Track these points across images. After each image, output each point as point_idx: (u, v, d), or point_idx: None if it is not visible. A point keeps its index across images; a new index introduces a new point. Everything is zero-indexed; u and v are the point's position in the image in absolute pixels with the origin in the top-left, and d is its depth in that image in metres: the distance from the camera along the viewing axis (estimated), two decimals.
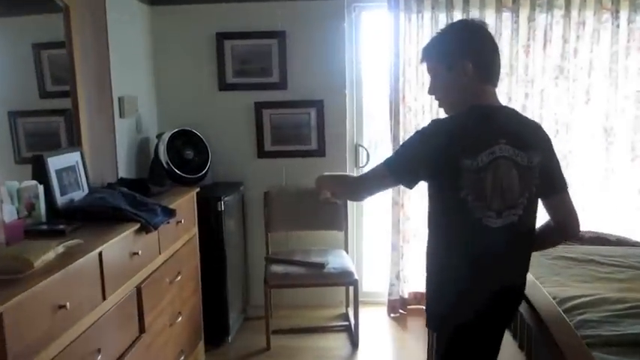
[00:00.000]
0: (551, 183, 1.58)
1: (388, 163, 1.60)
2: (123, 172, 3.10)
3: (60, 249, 1.71)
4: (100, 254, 1.86)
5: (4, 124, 2.37)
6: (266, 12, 3.48)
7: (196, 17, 3.52)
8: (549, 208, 1.62)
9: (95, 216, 2.15)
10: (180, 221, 2.65)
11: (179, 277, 2.60)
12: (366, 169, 3.66)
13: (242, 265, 3.65)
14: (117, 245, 1.98)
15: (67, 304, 1.61)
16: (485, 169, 1.48)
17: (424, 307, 1.72)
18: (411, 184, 1.61)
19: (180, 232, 2.68)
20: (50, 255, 1.66)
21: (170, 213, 2.40)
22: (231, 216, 3.40)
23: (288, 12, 3.48)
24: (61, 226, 2.00)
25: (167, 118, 3.61)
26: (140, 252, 2.15)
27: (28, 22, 2.47)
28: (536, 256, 2.42)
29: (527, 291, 1.91)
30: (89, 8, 2.73)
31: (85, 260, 1.74)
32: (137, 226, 2.14)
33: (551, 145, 1.61)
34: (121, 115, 3.08)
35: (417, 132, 1.59)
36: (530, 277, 1.96)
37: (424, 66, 1.70)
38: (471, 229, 1.52)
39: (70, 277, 1.67)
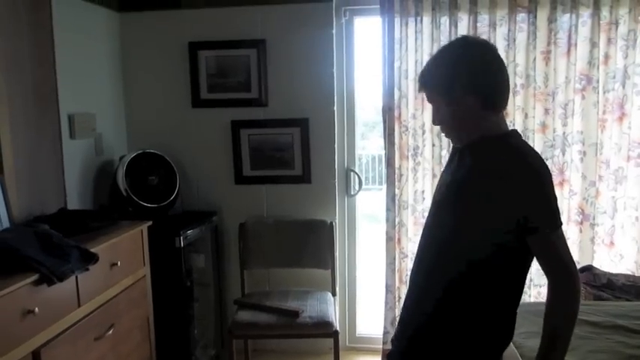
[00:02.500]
0: None
1: (559, 222, 1.36)
2: (75, 202, 2.72)
3: None
4: None
5: None
6: (244, 18, 3.06)
7: (168, 25, 3.12)
8: None
9: None
10: (116, 264, 2.22)
11: (111, 331, 2.17)
12: (359, 197, 3.26)
13: (215, 306, 3.20)
14: None
15: None
16: None
17: None
18: None
19: (116, 277, 2.25)
20: None
21: (90, 258, 1.98)
22: (200, 251, 2.97)
23: (269, 18, 3.04)
24: None
25: (137, 138, 3.22)
26: (37, 309, 1.72)
27: None
28: (538, 318, 1.88)
29: None
30: (26, 12, 2.37)
31: None
32: (35, 277, 1.72)
33: None
34: (72, 136, 2.70)
35: (540, 176, 1.35)
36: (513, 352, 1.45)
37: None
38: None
39: None
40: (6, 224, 2.12)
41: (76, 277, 1.94)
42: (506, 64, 2.73)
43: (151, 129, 3.21)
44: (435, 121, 1.51)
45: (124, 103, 3.22)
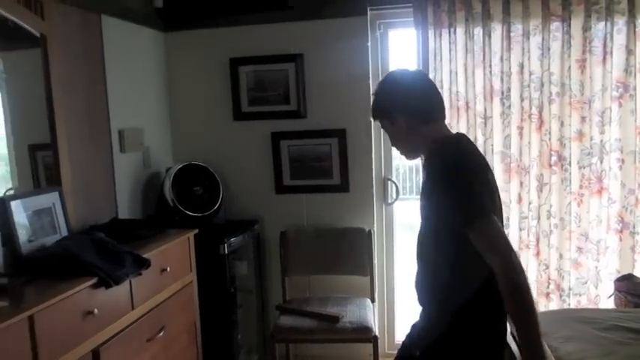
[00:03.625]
0: None
1: (485, 211, 1.45)
2: (125, 211, 2.88)
3: None
4: (32, 318, 1.59)
5: (26, 157, 2.32)
6: (282, 34, 3.19)
7: (210, 43, 3.28)
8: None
9: (51, 267, 1.90)
10: (166, 269, 2.35)
11: (162, 333, 2.29)
12: (395, 206, 3.33)
13: (258, 312, 3.31)
14: (60, 305, 1.70)
15: None
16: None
17: None
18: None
19: (166, 282, 2.38)
20: None
21: (142, 263, 2.11)
22: (242, 258, 3.09)
23: (306, 33, 3.16)
24: (4, 281, 1.76)
25: (182, 151, 3.38)
26: (96, 310, 1.86)
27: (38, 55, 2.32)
28: (583, 326, 1.91)
29: None
30: (80, 37, 2.56)
31: (2, 328, 1.47)
32: (94, 280, 1.86)
33: None
34: (122, 150, 2.86)
35: (460, 170, 1.51)
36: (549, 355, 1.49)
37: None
38: None
39: None
40: (64, 233, 2.27)
41: (130, 281, 2.07)
42: (541, 74, 2.77)
43: (195, 142, 3.36)
44: (392, 143, 1.77)
45: (169, 118, 3.38)
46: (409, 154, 1.76)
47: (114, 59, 2.78)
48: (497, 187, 1.58)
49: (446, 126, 1.70)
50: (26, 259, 2.01)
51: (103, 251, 2.07)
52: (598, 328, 1.82)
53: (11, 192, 2.19)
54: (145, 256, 2.16)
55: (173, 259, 2.45)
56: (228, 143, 3.33)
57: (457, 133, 1.73)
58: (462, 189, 1.47)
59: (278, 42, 3.20)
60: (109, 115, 2.76)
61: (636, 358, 1.64)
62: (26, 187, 2.25)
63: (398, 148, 1.76)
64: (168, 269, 2.38)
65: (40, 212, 2.19)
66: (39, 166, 2.40)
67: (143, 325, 2.18)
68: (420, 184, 1.83)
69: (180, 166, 3.05)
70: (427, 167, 1.70)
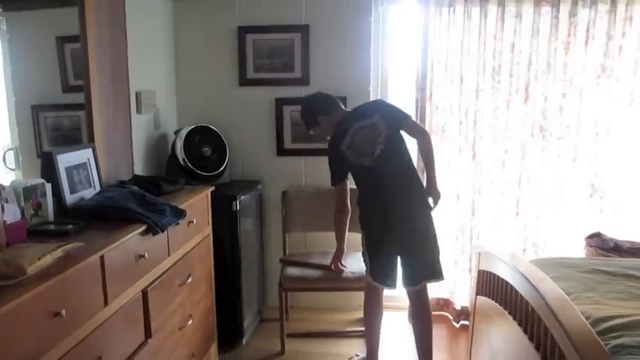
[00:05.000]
0: (396, 120, 2.62)
1: (334, 183, 2.77)
2: (139, 169, 3.03)
3: (58, 253, 1.62)
4: (102, 258, 1.77)
5: (28, 117, 2.33)
6: (290, 5, 3.36)
7: (219, 11, 3.42)
8: (407, 131, 2.66)
9: (102, 216, 2.07)
10: (192, 221, 2.55)
11: (190, 279, 2.51)
12: None
13: (259, 266, 3.55)
14: (121, 248, 1.89)
15: (63, 311, 1.52)
16: (351, 143, 2.62)
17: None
18: (345, 179, 2.74)
19: (191, 233, 2.58)
20: (47, 259, 1.57)
21: (180, 214, 2.30)
22: (247, 215, 3.30)
23: (313, 5, 3.35)
24: (67, 227, 1.92)
25: (187, 114, 3.53)
26: (146, 255, 2.06)
27: (52, 15, 2.40)
28: (568, 269, 2.27)
29: (556, 309, 1.75)
30: (107, 1, 2.65)
31: (84, 265, 1.65)
32: (143, 227, 2.04)
33: (383, 107, 2.71)
34: (138, 111, 3.00)
35: (328, 151, 2.75)
36: (559, 292, 1.81)
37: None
38: (360, 172, 2.67)
39: (68, 283, 1.58)
40: (97, 187, 2.42)
41: (167, 231, 2.26)
42: (529, 53, 3.04)
43: (200, 105, 3.52)
44: (324, 138, 2.84)
45: (175, 82, 3.51)
46: (329, 136, 2.75)
47: (133, 24, 2.88)
48: (353, 150, 2.59)
49: (343, 109, 2.76)
50: (71, 208, 2.17)
51: (144, 202, 2.24)
52: (580, 271, 2.18)
53: (10, 152, 2.23)
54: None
55: (197, 212, 2.65)
56: (233, 108, 3.51)
57: (345, 112, 2.73)
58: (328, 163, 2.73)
59: (285, 13, 3.37)
60: (128, 78, 2.87)
61: (613, 292, 2.00)
62: (27, 147, 2.30)
63: (325, 137, 2.78)
64: (194, 221, 2.58)
65: (78, 167, 2.32)
66: (41, 127, 2.42)
67: (176, 271, 2.39)
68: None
69: (192, 127, 3.21)
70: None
